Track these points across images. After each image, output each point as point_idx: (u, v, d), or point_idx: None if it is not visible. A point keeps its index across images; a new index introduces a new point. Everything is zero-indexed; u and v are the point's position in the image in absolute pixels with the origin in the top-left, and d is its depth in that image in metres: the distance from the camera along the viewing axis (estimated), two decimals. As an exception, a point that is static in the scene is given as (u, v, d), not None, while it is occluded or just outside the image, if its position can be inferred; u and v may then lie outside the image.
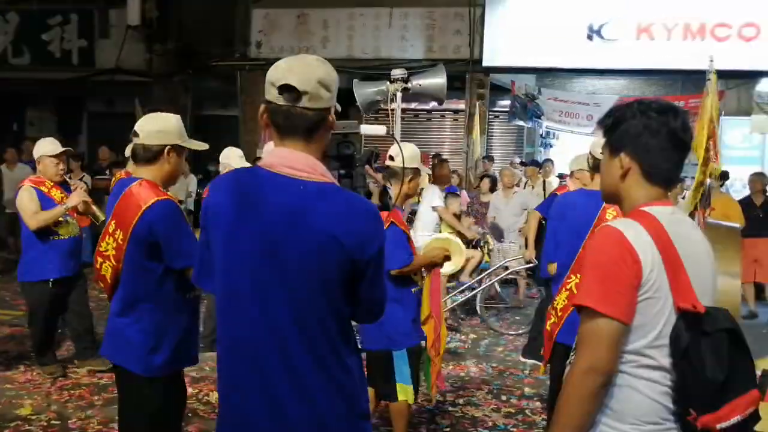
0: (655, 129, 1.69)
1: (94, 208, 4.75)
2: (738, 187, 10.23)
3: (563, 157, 11.58)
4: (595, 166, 3.64)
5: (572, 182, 4.82)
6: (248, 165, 3.97)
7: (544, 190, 9.53)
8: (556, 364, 3.60)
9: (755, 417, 1.59)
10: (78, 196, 4.67)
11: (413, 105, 12.58)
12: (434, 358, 3.85)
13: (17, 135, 12.98)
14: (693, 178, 9.69)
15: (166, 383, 2.77)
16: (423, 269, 3.64)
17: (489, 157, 11.11)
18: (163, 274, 2.69)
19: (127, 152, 4.10)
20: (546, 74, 11.72)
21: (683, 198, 7.93)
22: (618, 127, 1.75)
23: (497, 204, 8.26)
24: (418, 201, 6.85)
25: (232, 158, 5.32)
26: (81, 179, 7.33)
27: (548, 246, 4.01)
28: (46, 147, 4.87)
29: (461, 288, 7.15)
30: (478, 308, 7.02)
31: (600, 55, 10.27)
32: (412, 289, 3.57)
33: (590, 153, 3.70)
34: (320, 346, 1.69)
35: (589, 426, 1.63)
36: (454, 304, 7.08)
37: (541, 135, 13.10)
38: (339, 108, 1.79)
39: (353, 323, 1.81)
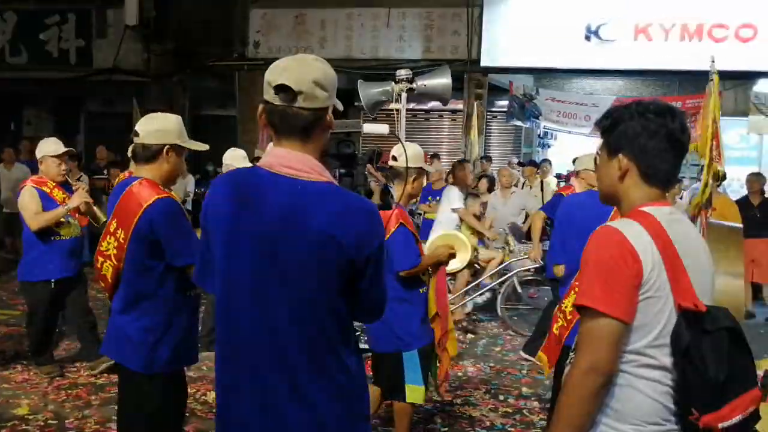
0: (653, 130, 1.70)
1: (95, 208, 4.75)
2: (735, 188, 10.24)
3: (561, 157, 11.64)
4: None
5: (578, 183, 4.77)
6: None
7: (542, 190, 9.54)
8: (564, 368, 3.58)
9: (755, 416, 1.60)
10: (80, 197, 4.67)
11: (411, 105, 12.53)
12: (441, 354, 3.83)
13: (15, 134, 12.95)
14: (691, 178, 9.72)
15: (166, 382, 2.77)
16: (430, 268, 3.64)
17: (487, 157, 11.13)
18: (164, 272, 2.70)
19: (129, 152, 4.10)
20: (544, 74, 11.76)
21: (680, 198, 7.95)
22: (616, 128, 1.76)
23: (495, 204, 8.25)
24: (416, 201, 6.84)
25: (235, 159, 5.30)
26: (78, 179, 7.31)
27: (554, 247, 3.99)
28: (49, 147, 4.85)
29: (482, 291, 7.14)
30: (498, 309, 6.95)
31: (598, 56, 10.29)
32: (421, 290, 3.56)
33: (597, 153, 3.67)
34: (319, 346, 1.69)
35: (589, 426, 1.64)
36: (473, 306, 7.03)
37: (539, 135, 13.12)
38: (341, 107, 1.79)
39: (362, 324, 1.81)
